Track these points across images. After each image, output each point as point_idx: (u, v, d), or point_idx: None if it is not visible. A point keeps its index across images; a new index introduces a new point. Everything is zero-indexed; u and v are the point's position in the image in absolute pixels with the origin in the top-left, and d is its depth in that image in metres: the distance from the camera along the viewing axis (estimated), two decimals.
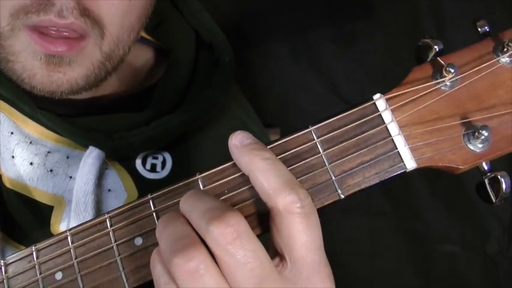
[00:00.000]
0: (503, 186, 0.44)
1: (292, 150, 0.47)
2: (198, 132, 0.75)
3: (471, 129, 0.44)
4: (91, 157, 0.67)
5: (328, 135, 0.47)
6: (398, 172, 0.45)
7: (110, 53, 0.64)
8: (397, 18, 1.75)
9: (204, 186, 0.48)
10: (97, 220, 0.50)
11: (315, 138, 0.47)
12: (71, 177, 0.68)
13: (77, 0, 0.58)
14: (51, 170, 0.68)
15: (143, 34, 0.80)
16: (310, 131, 0.47)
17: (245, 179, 0.47)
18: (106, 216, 0.50)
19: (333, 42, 1.78)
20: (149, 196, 0.50)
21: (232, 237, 0.40)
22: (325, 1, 1.76)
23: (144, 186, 0.70)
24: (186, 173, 0.70)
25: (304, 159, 0.47)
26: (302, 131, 0.47)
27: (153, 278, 0.45)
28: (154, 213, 0.49)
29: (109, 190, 0.69)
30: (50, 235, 0.64)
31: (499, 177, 0.45)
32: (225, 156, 0.73)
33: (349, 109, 0.47)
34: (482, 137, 0.44)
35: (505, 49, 0.45)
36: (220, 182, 0.48)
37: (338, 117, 0.47)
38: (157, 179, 0.72)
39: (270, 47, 1.80)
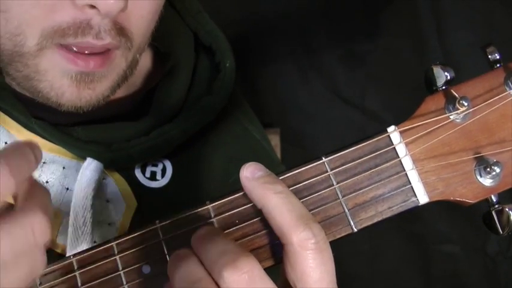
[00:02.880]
0: (511, 218, 0.45)
1: (305, 182, 0.47)
2: (199, 139, 0.74)
3: (483, 164, 0.45)
4: (89, 169, 0.66)
5: (342, 167, 0.47)
6: (411, 206, 0.46)
7: (132, 61, 0.64)
8: (397, 18, 1.76)
9: (214, 216, 0.48)
10: (103, 247, 0.50)
11: (328, 170, 0.47)
12: (67, 189, 0.67)
13: (113, 20, 0.57)
14: (46, 182, 0.66)
15: None
16: (324, 162, 0.47)
17: (257, 210, 0.47)
18: (113, 242, 0.49)
19: (333, 43, 1.79)
20: (157, 224, 0.49)
21: (246, 284, 0.41)
22: (325, 1, 1.77)
23: (143, 195, 0.69)
24: (187, 180, 0.71)
25: (317, 191, 0.47)
26: (315, 162, 0.47)
27: None
28: (163, 242, 0.49)
29: (107, 201, 0.68)
30: (47, 248, 0.65)
31: (506, 209, 0.46)
32: (227, 161, 0.74)
33: (363, 141, 0.47)
34: (494, 173, 0.44)
35: None
36: (231, 212, 0.48)
37: (352, 149, 0.47)
38: (157, 188, 0.71)
39: (271, 48, 1.81)
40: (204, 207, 0.48)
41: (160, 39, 0.77)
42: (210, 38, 0.77)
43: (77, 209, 0.64)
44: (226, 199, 0.48)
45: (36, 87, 0.60)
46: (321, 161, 0.47)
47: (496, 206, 0.46)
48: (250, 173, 0.46)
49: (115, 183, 0.69)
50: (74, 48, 0.57)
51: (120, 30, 0.58)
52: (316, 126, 1.82)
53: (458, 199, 0.46)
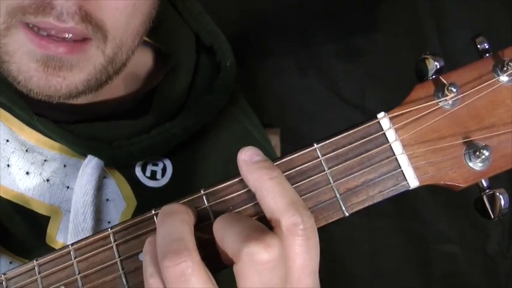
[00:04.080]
0: (502, 203, 0.46)
1: (297, 168, 0.48)
2: (199, 138, 0.74)
3: (472, 149, 0.46)
4: (90, 166, 0.66)
5: (333, 153, 0.48)
6: (402, 190, 0.47)
7: (113, 57, 0.63)
8: (397, 18, 1.76)
9: (208, 203, 0.49)
10: (100, 235, 0.51)
11: (320, 155, 0.48)
12: (68, 187, 0.67)
13: (79, 4, 0.56)
14: (47, 180, 0.67)
15: None
16: (315, 148, 0.48)
17: (250, 196, 0.48)
18: (109, 231, 0.50)
19: (333, 42, 1.79)
20: (153, 212, 0.50)
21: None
22: (325, 1, 1.77)
23: (143, 194, 0.70)
24: (187, 180, 0.72)
25: (309, 177, 0.48)
26: (307, 148, 0.48)
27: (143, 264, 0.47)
28: None
29: (107, 200, 0.69)
30: (46, 246, 0.66)
31: (497, 194, 0.46)
32: (226, 161, 0.75)
33: (354, 127, 0.48)
34: (483, 156, 0.45)
35: (505, 68, 0.47)
36: (225, 198, 0.49)
37: (343, 135, 0.48)
38: (157, 187, 0.71)
39: (270, 47, 1.81)
40: (199, 194, 0.49)
41: (162, 39, 0.79)
42: (211, 39, 0.78)
43: (78, 206, 0.65)
44: (221, 185, 0.49)
45: (7, 70, 0.60)
46: (312, 147, 0.48)
47: (487, 191, 0.47)
48: (249, 157, 0.47)
49: (115, 182, 0.69)
50: (36, 28, 0.57)
51: (87, 18, 0.57)
52: (316, 126, 1.82)
53: (448, 183, 0.47)
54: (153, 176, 0.71)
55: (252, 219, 0.47)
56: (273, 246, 0.41)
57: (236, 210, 0.48)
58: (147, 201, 0.67)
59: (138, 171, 0.71)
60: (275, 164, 0.48)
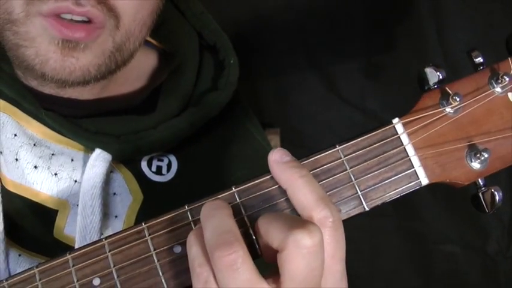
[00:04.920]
0: (496, 198, 0.56)
1: (322, 167, 0.55)
2: (203, 135, 0.77)
3: (473, 151, 0.56)
4: (98, 160, 0.68)
5: (354, 154, 0.55)
6: (415, 188, 0.56)
7: (121, 44, 0.67)
8: (397, 18, 1.80)
9: (240, 199, 0.54)
10: (134, 230, 0.54)
11: (342, 156, 0.55)
12: (75, 181, 0.70)
13: None
14: (55, 174, 0.69)
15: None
16: (338, 150, 0.56)
17: (279, 192, 0.54)
18: (144, 225, 0.54)
19: (333, 42, 1.83)
20: (186, 208, 0.54)
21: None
22: (325, 1, 1.81)
23: (150, 188, 0.73)
24: (191, 175, 0.78)
25: (333, 175, 0.55)
26: (330, 150, 0.56)
27: (188, 255, 0.50)
28: (192, 223, 0.54)
29: (114, 194, 0.71)
30: (54, 239, 0.69)
31: (492, 190, 0.56)
32: (228, 160, 0.81)
33: (372, 131, 0.56)
34: (483, 158, 0.55)
35: (499, 80, 0.56)
36: (255, 194, 0.54)
37: (362, 138, 0.56)
38: (163, 182, 0.75)
39: (270, 47, 1.84)
40: (230, 192, 0.54)
41: (166, 39, 0.84)
42: (215, 37, 0.83)
43: (86, 199, 0.68)
44: (251, 183, 0.55)
45: (23, 55, 0.64)
46: (335, 149, 0.56)
47: (483, 188, 0.57)
48: (279, 157, 0.53)
49: (122, 176, 0.73)
50: (59, 16, 0.62)
51: (102, 1, 0.62)
52: (316, 126, 1.86)
53: (453, 181, 0.57)
54: (158, 171, 0.75)
55: (291, 214, 0.53)
56: (315, 232, 0.46)
57: (266, 206, 0.54)
58: (154, 195, 0.74)
59: (144, 166, 0.74)
60: (302, 163, 0.54)
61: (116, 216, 0.72)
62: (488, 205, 0.56)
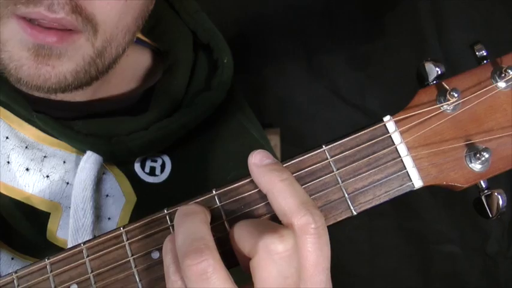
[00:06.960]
0: (500, 202, 0.50)
1: (307, 169, 0.51)
2: (197, 135, 0.75)
3: (473, 151, 0.50)
4: (89, 162, 0.67)
5: (341, 154, 0.51)
6: (407, 191, 0.50)
7: (102, 50, 0.64)
8: (398, 18, 1.79)
9: (220, 202, 0.50)
10: (112, 234, 0.52)
11: (328, 157, 0.51)
12: (67, 183, 0.68)
13: None
14: (47, 176, 0.68)
15: (139, 35, 0.80)
16: (324, 150, 0.51)
17: (261, 195, 0.50)
18: (122, 230, 0.51)
19: (333, 42, 1.81)
20: (165, 211, 0.51)
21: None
22: (325, 1, 1.80)
23: (143, 189, 0.71)
24: (185, 176, 0.73)
25: (318, 177, 0.50)
26: (316, 150, 0.51)
27: (163, 261, 0.48)
28: (170, 227, 0.51)
29: (107, 195, 0.69)
30: (47, 242, 0.67)
31: (496, 194, 0.50)
32: (224, 159, 0.77)
33: (361, 130, 0.51)
34: (483, 158, 0.49)
35: (503, 74, 0.50)
36: (236, 197, 0.51)
37: (350, 137, 0.51)
38: (156, 183, 0.72)
39: (270, 47, 1.83)
40: (211, 195, 0.51)
41: (160, 38, 0.80)
42: (208, 36, 0.80)
43: (77, 201, 0.66)
44: (232, 186, 0.51)
45: (0, 58, 0.61)
46: (321, 149, 0.51)
47: (486, 191, 0.51)
48: (259, 160, 0.49)
49: (115, 178, 0.71)
50: (29, 18, 0.58)
51: (78, 9, 0.59)
52: (316, 126, 1.84)
53: (450, 183, 0.50)
54: (152, 172, 0.73)
55: (264, 219, 0.50)
56: (287, 237, 0.43)
57: (247, 210, 0.50)
58: (147, 196, 0.71)
59: (137, 167, 0.72)
60: (285, 165, 0.50)
61: (109, 218, 0.69)
62: (493, 210, 0.50)
